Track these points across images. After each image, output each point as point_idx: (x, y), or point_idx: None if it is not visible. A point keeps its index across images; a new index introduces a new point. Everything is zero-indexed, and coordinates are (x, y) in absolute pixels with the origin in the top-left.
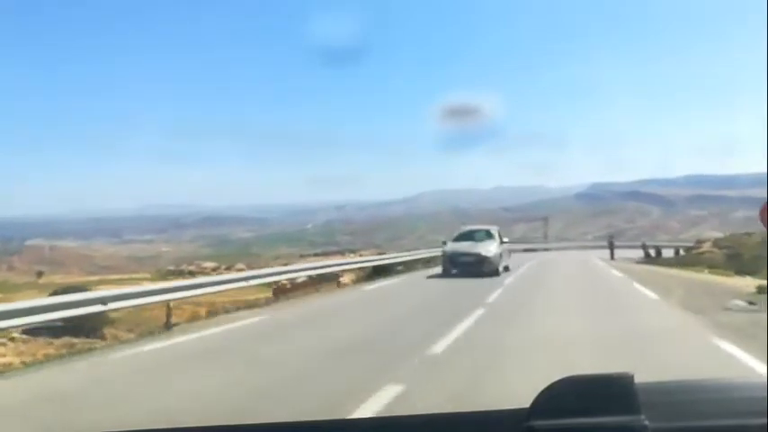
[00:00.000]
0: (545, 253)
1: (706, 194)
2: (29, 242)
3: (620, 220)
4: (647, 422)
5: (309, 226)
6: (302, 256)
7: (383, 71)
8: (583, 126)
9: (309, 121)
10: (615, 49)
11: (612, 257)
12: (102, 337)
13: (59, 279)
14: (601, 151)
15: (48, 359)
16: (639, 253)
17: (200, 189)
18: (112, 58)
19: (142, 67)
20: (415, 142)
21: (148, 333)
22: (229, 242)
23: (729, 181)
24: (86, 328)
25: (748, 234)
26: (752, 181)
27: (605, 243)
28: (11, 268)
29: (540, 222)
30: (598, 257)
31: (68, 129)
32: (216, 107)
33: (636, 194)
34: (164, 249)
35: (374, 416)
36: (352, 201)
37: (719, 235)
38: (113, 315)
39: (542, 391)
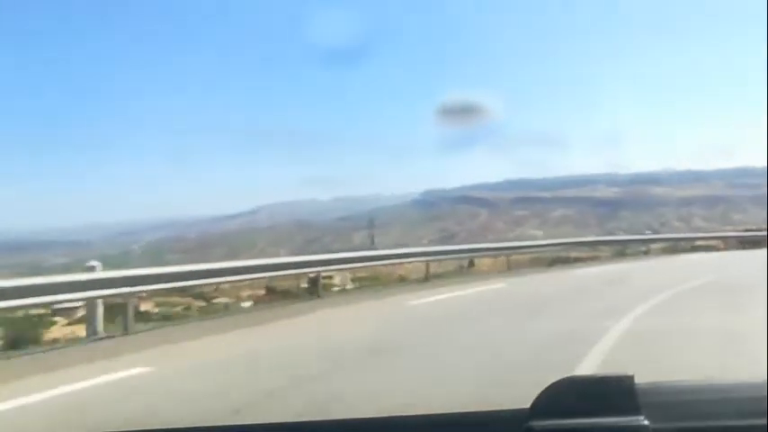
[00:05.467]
0: None
1: (526, 196)
2: None
3: (451, 223)
4: (647, 422)
5: (136, 246)
6: None
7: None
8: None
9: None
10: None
11: None
12: None
13: None
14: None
15: None
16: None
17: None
18: None
19: None
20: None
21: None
22: (42, 270)
23: (545, 184)
24: None
25: None
26: (565, 182)
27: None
28: None
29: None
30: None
31: None
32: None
33: (465, 199)
34: None
35: (374, 416)
36: (182, 218)
37: (538, 232)
38: None
39: (542, 392)
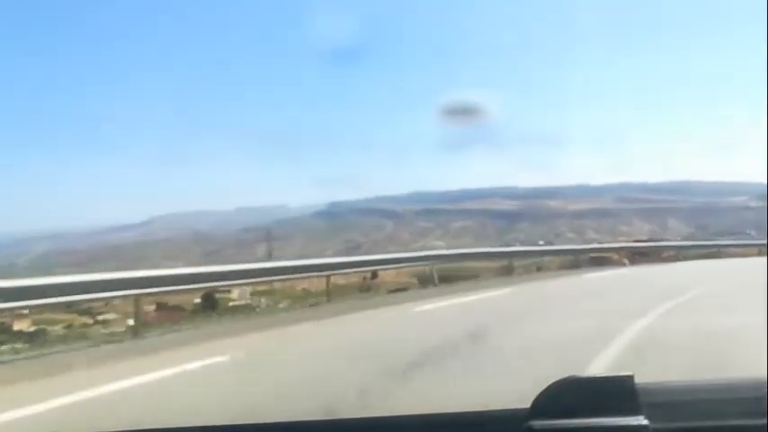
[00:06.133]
0: None
1: (430, 208)
2: None
3: (357, 234)
4: (646, 422)
5: (23, 260)
6: None
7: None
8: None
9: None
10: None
11: None
12: None
13: None
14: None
15: None
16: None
17: None
18: None
19: None
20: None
21: None
22: None
23: (448, 196)
24: None
25: None
26: (466, 194)
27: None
28: None
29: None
30: None
31: None
32: None
33: (371, 210)
34: None
35: (373, 415)
36: (71, 229)
37: (440, 243)
38: None
39: (542, 392)
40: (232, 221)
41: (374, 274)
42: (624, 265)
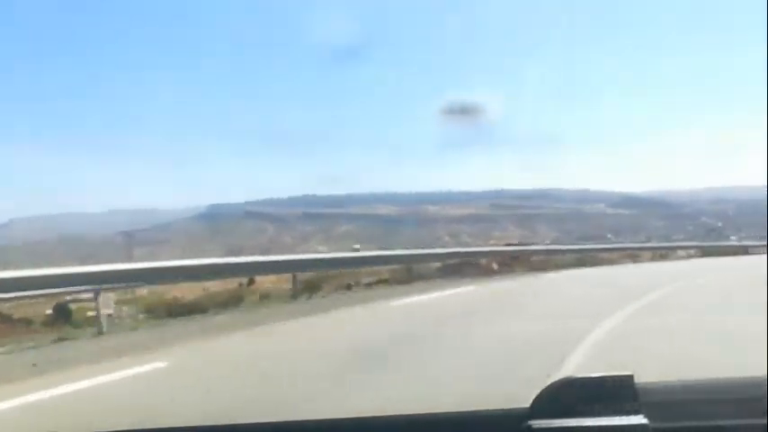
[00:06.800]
0: None
1: (313, 212)
2: None
3: (238, 238)
4: (646, 422)
5: None
6: None
7: None
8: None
9: None
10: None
11: None
12: None
13: None
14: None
15: None
16: None
17: None
18: None
19: None
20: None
21: None
22: None
23: (331, 200)
24: None
25: None
26: (350, 199)
27: None
28: None
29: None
30: None
31: None
32: None
33: (252, 214)
34: None
35: (372, 415)
36: None
37: (323, 248)
38: None
39: (542, 391)
40: (103, 224)
41: (251, 280)
42: (493, 271)
